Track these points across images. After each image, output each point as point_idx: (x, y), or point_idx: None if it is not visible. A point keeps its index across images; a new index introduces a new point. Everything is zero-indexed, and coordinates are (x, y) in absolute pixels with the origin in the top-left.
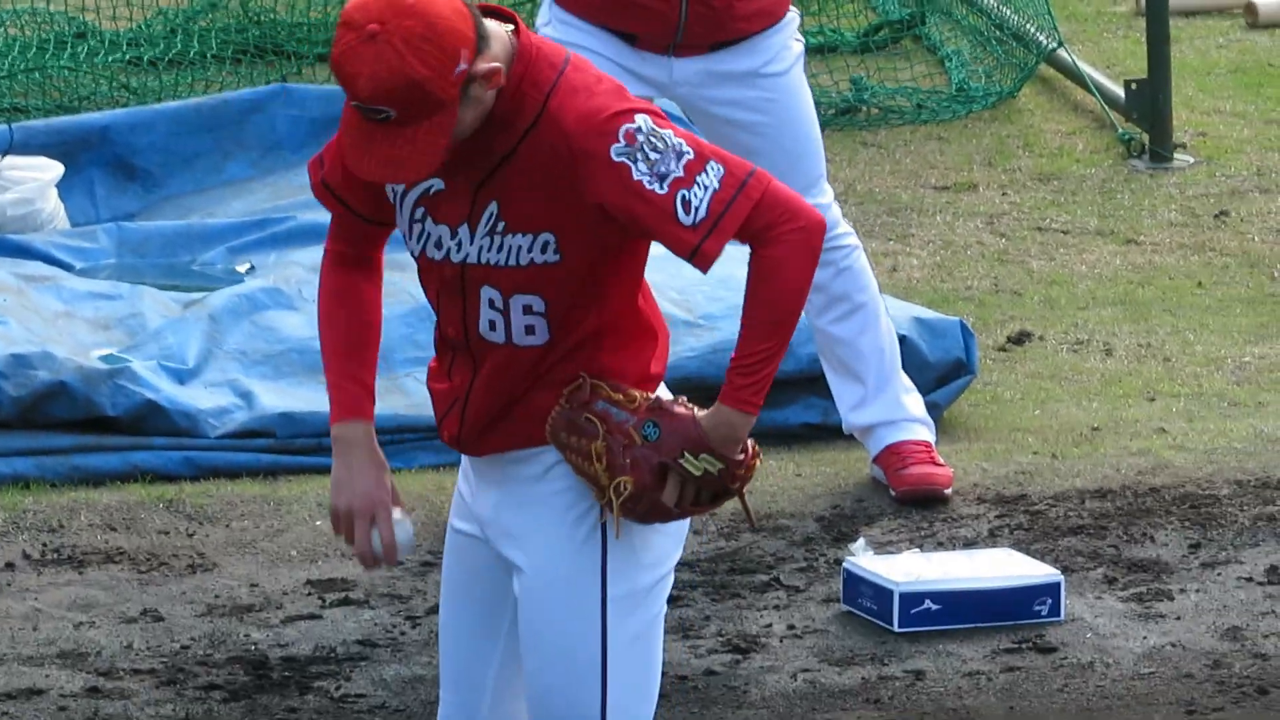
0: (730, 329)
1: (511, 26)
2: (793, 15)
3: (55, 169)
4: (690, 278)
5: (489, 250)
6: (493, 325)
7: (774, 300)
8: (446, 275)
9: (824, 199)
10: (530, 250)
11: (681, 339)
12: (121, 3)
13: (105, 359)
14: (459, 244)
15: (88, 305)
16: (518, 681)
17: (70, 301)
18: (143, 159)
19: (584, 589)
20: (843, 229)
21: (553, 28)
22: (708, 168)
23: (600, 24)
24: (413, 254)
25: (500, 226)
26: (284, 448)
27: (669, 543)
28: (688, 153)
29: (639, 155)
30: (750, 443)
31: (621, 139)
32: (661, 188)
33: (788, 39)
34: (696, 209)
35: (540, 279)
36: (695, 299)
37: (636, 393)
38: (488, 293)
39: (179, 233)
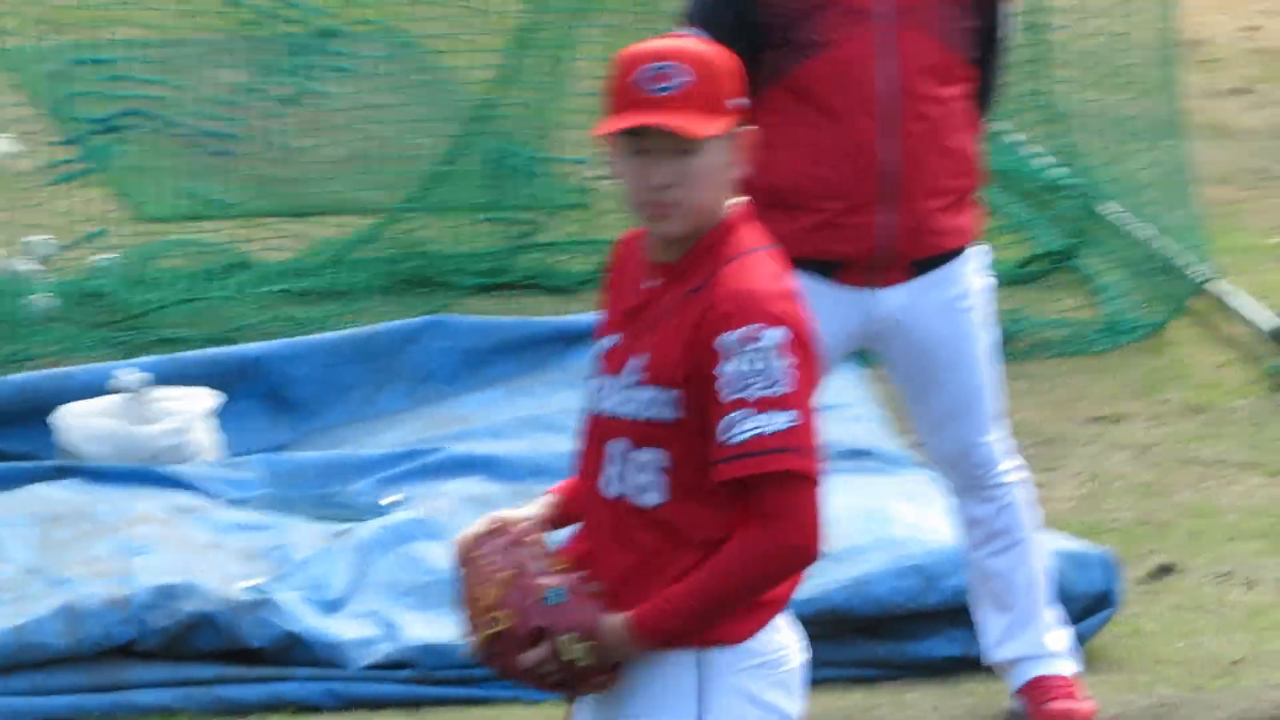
0: (875, 560)
1: (740, 203)
2: (980, 248)
3: (208, 399)
4: (837, 508)
5: (624, 403)
6: (611, 480)
7: (725, 579)
8: (592, 430)
9: (993, 437)
10: (656, 404)
11: (827, 570)
12: (281, 234)
13: (251, 590)
14: (607, 394)
15: (236, 536)
16: None
17: (219, 532)
18: (295, 390)
19: None
20: (1007, 465)
21: None
22: (782, 413)
23: (801, 255)
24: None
25: (640, 378)
26: (428, 678)
27: None
28: (779, 387)
29: (738, 357)
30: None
31: (738, 335)
32: (727, 395)
33: (978, 270)
34: (734, 435)
35: (662, 435)
36: (842, 530)
37: (564, 563)
38: (614, 447)
39: (330, 463)
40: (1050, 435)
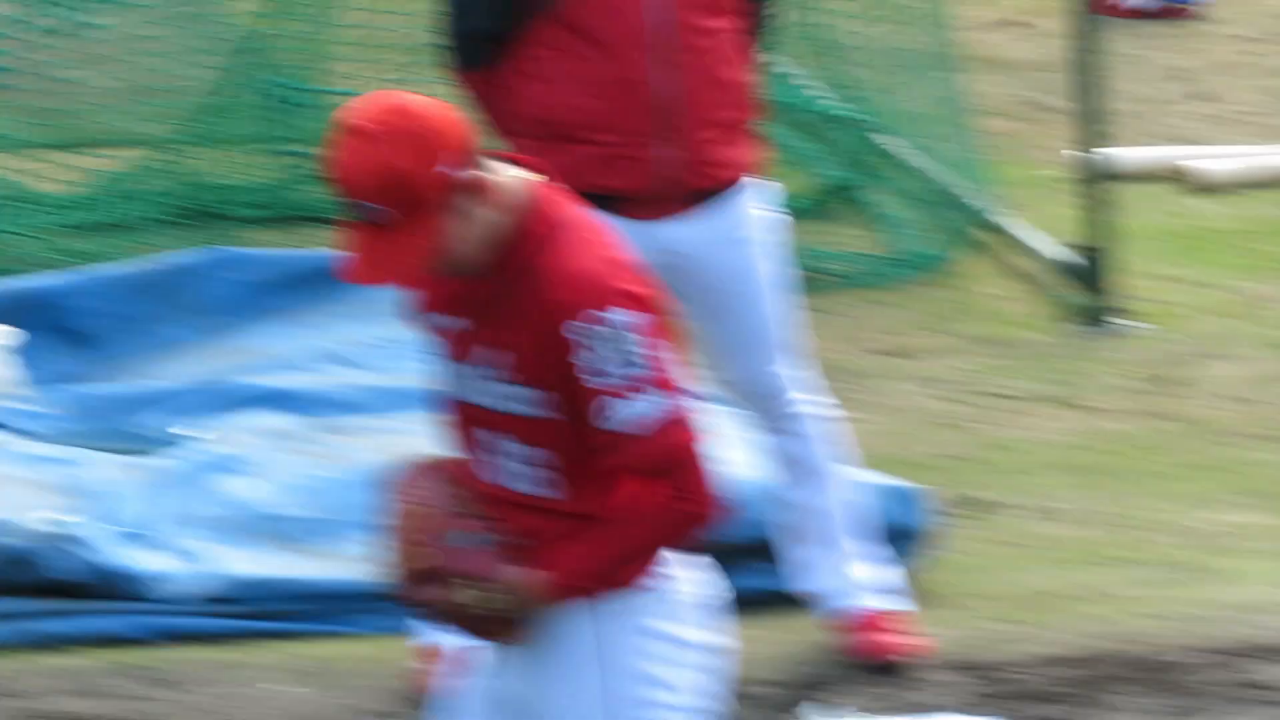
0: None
1: (524, 173)
2: (760, 181)
3: (7, 335)
4: None
5: (501, 399)
6: (513, 475)
7: (625, 541)
8: (467, 415)
9: (778, 367)
10: (532, 404)
11: None
12: (60, 166)
13: (50, 523)
14: (473, 387)
15: (31, 468)
16: None
17: (14, 464)
18: (82, 322)
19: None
20: (803, 395)
21: None
22: (645, 389)
23: (582, 188)
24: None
25: (505, 377)
26: (234, 612)
27: (676, 698)
28: (636, 366)
29: (588, 343)
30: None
31: (582, 321)
32: (591, 382)
33: (757, 201)
34: (608, 419)
35: (551, 434)
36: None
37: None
38: (505, 442)
39: (122, 396)
40: (843, 368)
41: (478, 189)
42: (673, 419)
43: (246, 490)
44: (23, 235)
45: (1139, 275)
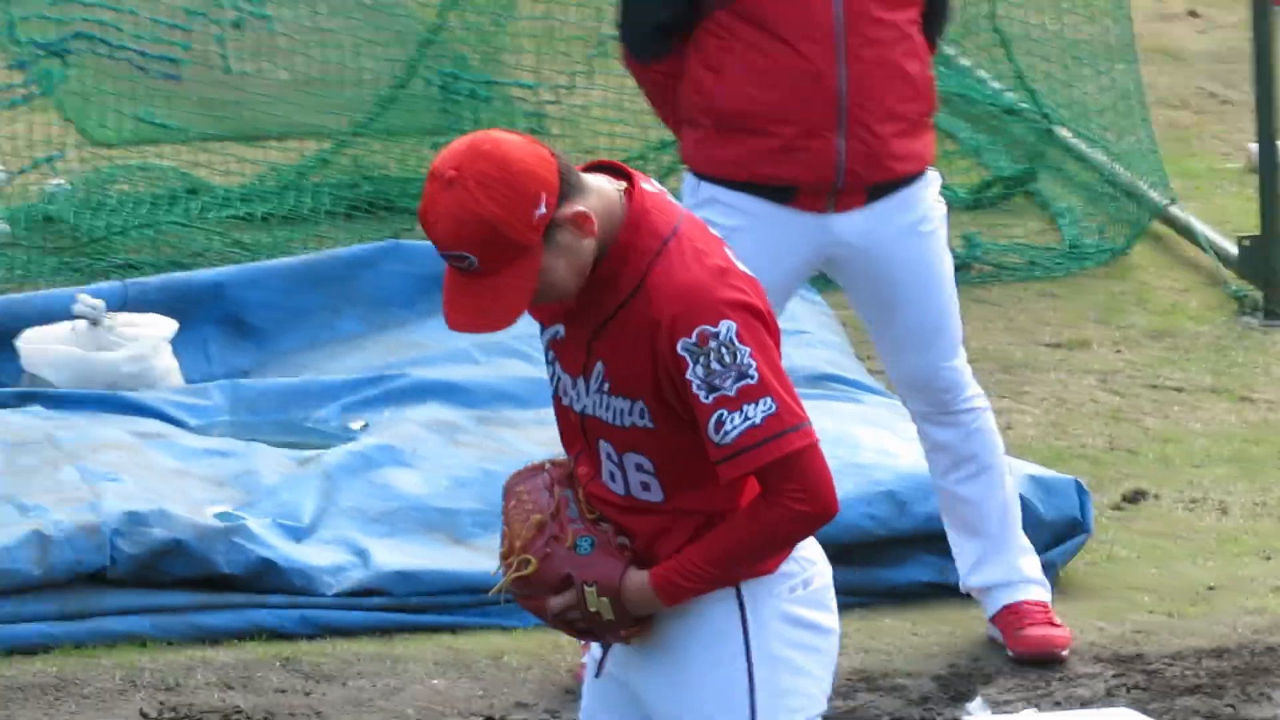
0: (845, 487)
1: (624, 185)
2: (936, 174)
3: (169, 325)
4: None
5: (599, 408)
6: (613, 477)
7: (741, 545)
8: (573, 421)
9: (959, 361)
10: (630, 414)
11: None
12: (233, 159)
13: (221, 516)
14: (578, 395)
15: (202, 462)
16: None
17: (184, 458)
18: (255, 315)
19: None
20: (973, 390)
21: (700, 209)
22: (761, 401)
23: (756, 179)
24: (552, 394)
25: (606, 386)
26: (399, 605)
27: (814, 685)
28: (750, 377)
29: (701, 358)
30: (643, 623)
31: (695, 337)
32: (706, 398)
33: (935, 196)
34: (727, 433)
35: (644, 441)
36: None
37: (600, 513)
38: (605, 446)
39: (292, 390)
40: (1014, 361)
41: (579, 224)
42: (789, 424)
43: (416, 484)
44: (195, 227)
45: None
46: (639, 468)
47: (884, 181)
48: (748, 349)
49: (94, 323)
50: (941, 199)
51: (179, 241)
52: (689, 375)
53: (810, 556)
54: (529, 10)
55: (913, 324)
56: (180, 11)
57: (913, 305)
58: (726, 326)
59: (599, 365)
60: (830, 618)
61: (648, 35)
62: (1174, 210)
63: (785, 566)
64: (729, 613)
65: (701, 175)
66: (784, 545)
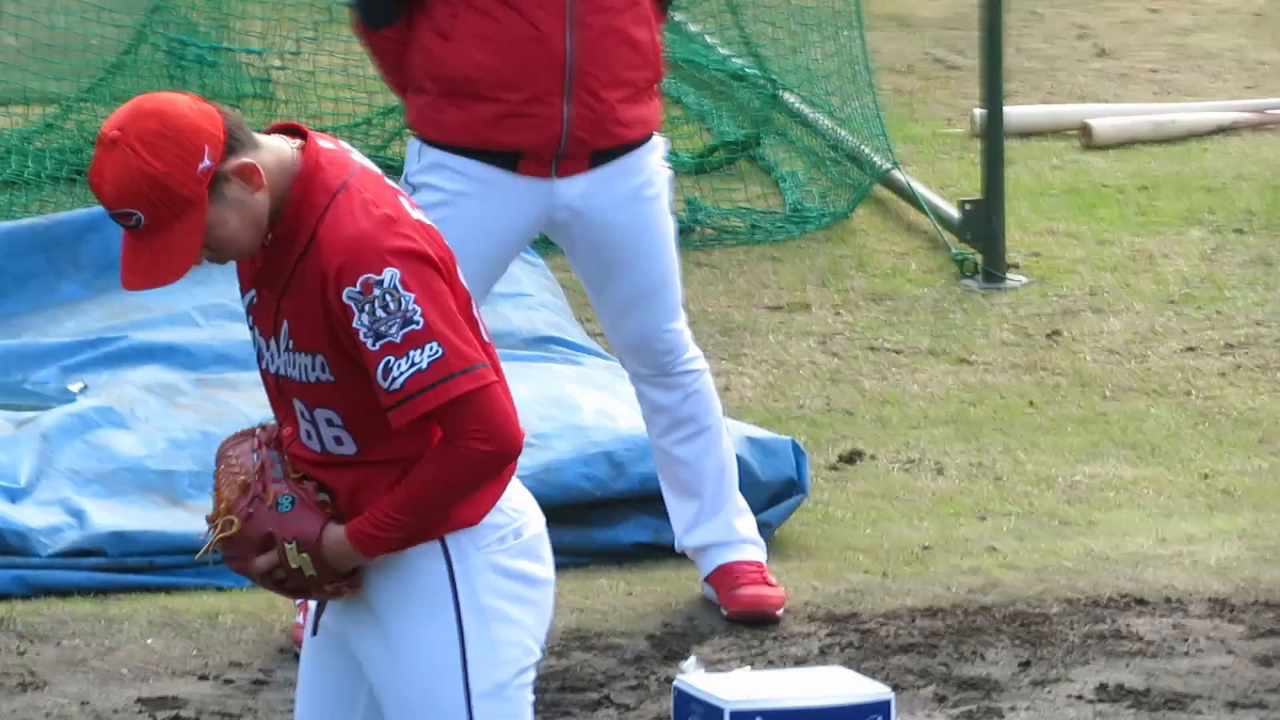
0: (562, 447)
1: (299, 142)
2: (662, 139)
3: None
4: (522, 396)
5: (288, 366)
6: (309, 435)
7: (429, 489)
8: (270, 384)
9: (679, 324)
10: (313, 369)
11: None
12: None
13: None
14: (272, 356)
15: None
16: None
17: None
18: None
19: (448, 693)
20: (692, 353)
21: (424, 174)
22: (426, 346)
23: (481, 145)
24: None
25: (291, 344)
26: (115, 566)
27: (526, 635)
28: (415, 323)
29: (366, 306)
30: (351, 579)
31: (359, 285)
32: (373, 345)
33: (660, 161)
34: (395, 380)
35: (329, 396)
36: (527, 418)
37: (304, 473)
38: (298, 404)
39: (11, 352)
40: (734, 324)
41: (245, 175)
42: (456, 368)
43: (134, 446)
44: None
45: (1033, 231)
46: (329, 422)
47: (609, 147)
48: (412, 295)
49: None
50: (666, 164)
51: None
52: (355, 324)
53: (519, 507)
54: None
55: (633, 287)
56: None
57: (633, 269)
58: (390, 274)
59: (285, 323)
60: (543, 568)
61: (378, 2)
62: (896, 174)
63: (492, 518)
64: (435, 567)
65: (427, 140)
66: (473, 486)
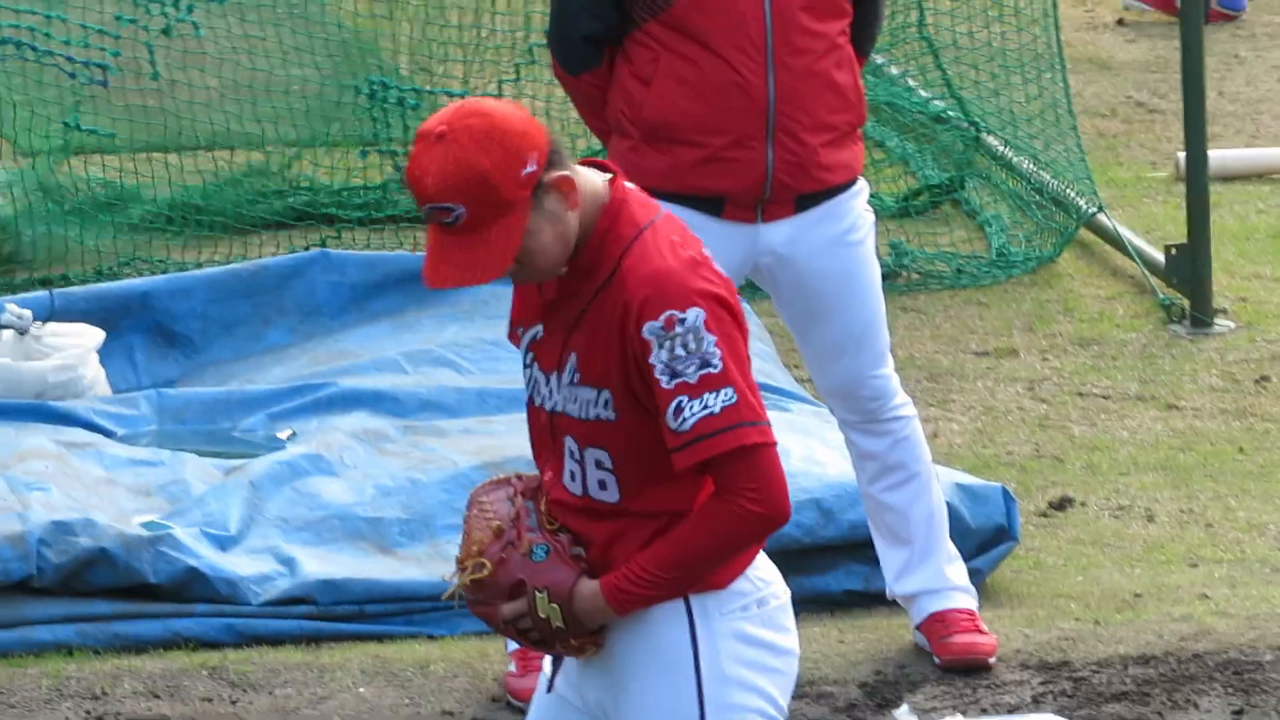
0: None
1: (608, 176)
2: (865, 183)
3: (96, 335)
4: None
5: (567, 401)
6: (573, 476)
7: (691, 548)
8: (542, 422)
9: (887, 370)
10: (595, 405)
11: None
12: (161, 167)
13: (147, 526)
14: (550, 392)
15: (129, 472)
16: None
17: (111, 468)
18: (183, 325)
19: None
20: (900, 399)
21: None
22: (721, 391)
23: (685, 190)
24: (526, 399)
25: (576, 378)
26: (326, 614)
27: (767, 704)
28: (713, 366)
29: (666, 343)
30: (595, 636)
31: (662, 321)
32: (667, 383)
33: (864, 205)
34: (685, 420)
35: (605, 435)
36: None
37: (559, 523)
38: (569, 443)
39: (219, 399)
40: (941, 369)
41: (563, 190)
42: (747, 418)
43: (343, 493)
44: (125, 236)
45: (1240, 276)
46: (598, 464)
47: (812, 192)
48: (713, 338)
49: (21, 332)
50: (870, 208)
51: (106, 251)
52: (653, 359)
53: (766, 577)
54: (458, 19)
55: (840, 333)
56: (109, 18)
57: (840, 314)
58: (694, 314)
59: (572, 357)
60: (788, 638)
61: (577, 46)
62: (1101, 218)
63: (738, 585)
64: (678, 627)
65: (640, 182)
66: (734, 549)
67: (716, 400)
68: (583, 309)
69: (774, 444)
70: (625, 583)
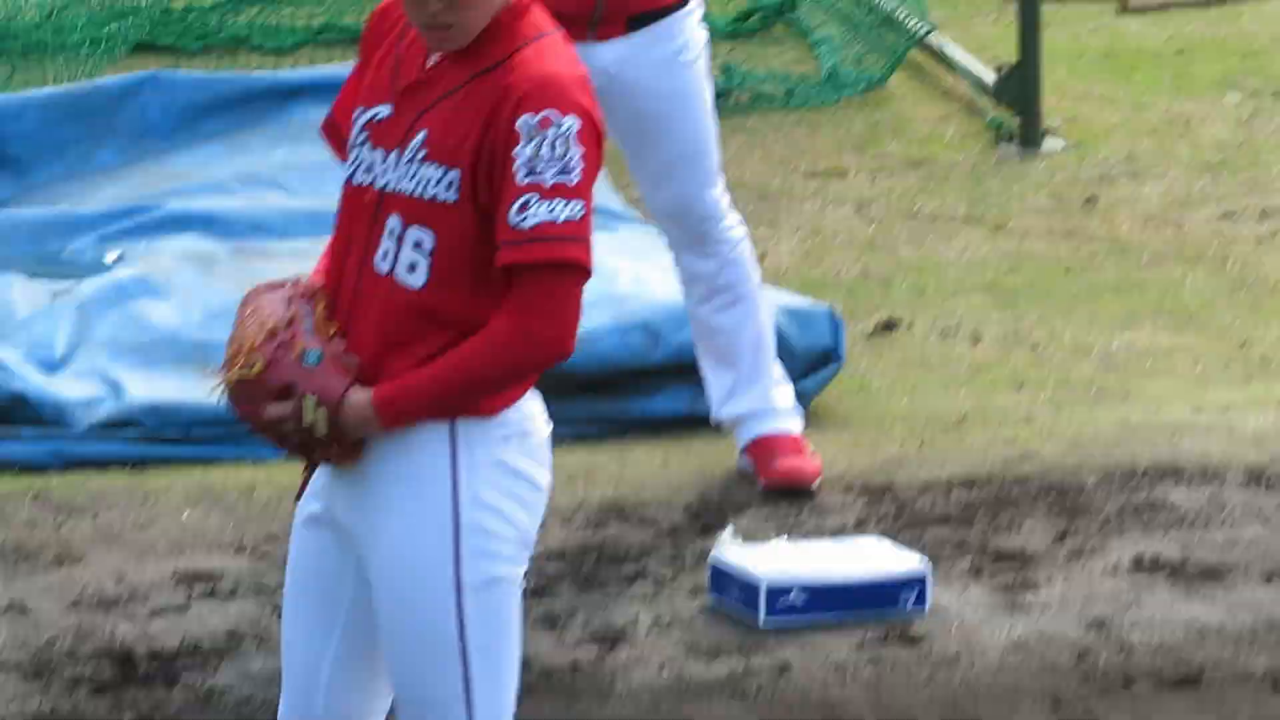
0: (599, 316)
1: None
2: (698, 3)
3: None
4: None
5: (404, 179)
6: (385, 255)
7: (467, 364)
8: (364, 201)
9: (718, 190)
10: (437, 184)
11: None
12: None
13: None
14: (383, 170)
15: None
16: (355, 676)
17: None
18: (12, 146)
19: (438, 578)
20: (731, 219)
21: None
22: (571, 203)
23: None
24: (344, 181)
25: (422, 154)
26: (152, 438)
27: (521, 534)
28: (571, 176)
29: (535, 140)
30: (354, 449)
31: (539, 118)
32: (521, 178)
33: (696, 25)
34: (526, 218)
35: (436, 216)
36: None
37: (335, 328)
38: (392, 221)
39: (48, 221)
40: (771, 190)
41: None
42: (581, 237)
43: (171, 316)
44: None
45: (1070, 96)
46: (417, 245)
47: (644, 11)
48: (581, 150)
49: None
50: (703, 27)
51: None
52: (515, 152)
53: (531, 413)
54: None
55: (671, 153)
56: None
57: (671, 134)
58: (572, 121)
59: (420, 134)
60: (545, 474)
61: None
62: (932, 39)
63: (505, 414)
64: (440, 450)
65: None
66: (511, 376)
67: (564, 210)
68: (450, 90)
69: (587, 277)
70: (397, 395)
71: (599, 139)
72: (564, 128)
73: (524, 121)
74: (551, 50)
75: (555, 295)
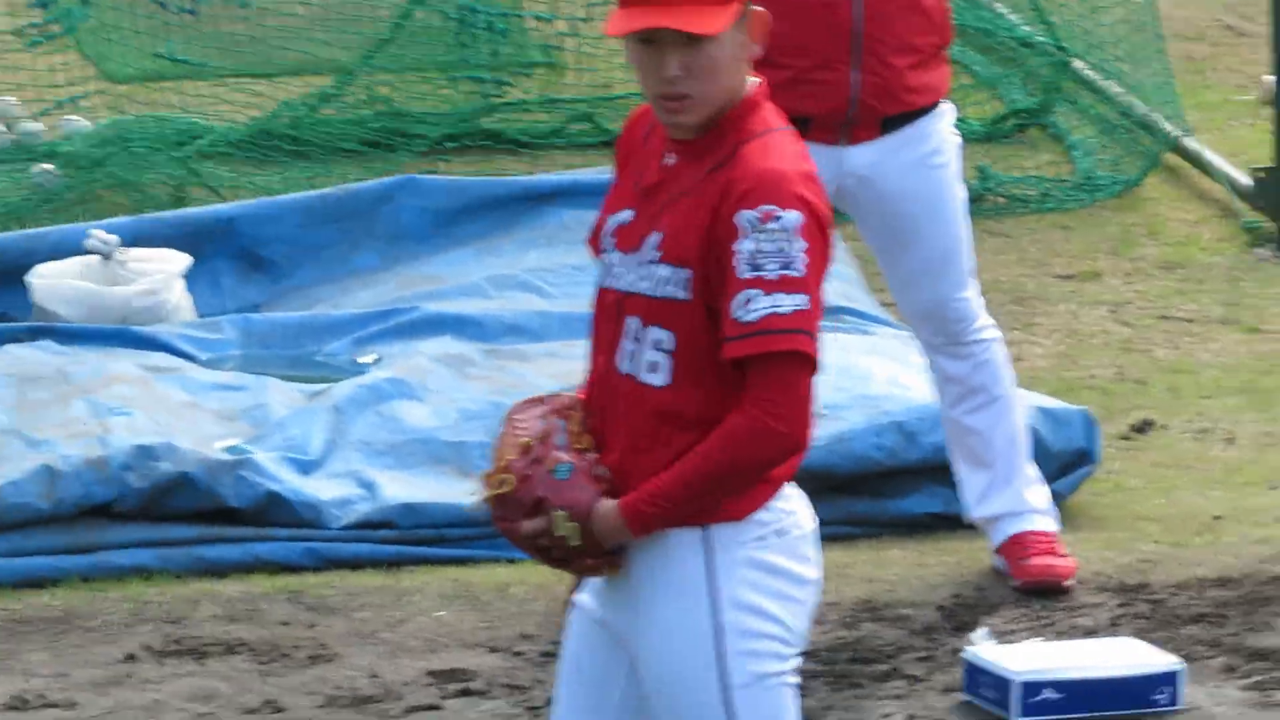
0: (854, 418)
1: (758, 80)
2: (951, 106)
3: (182, 260)
4: None
5: (641, 280)
6: (629, 356)
7: (707, 463)
8: (608, 304)
9: (970, 292)
10: (670, 283)
11: None
12: (250, 94)
13: (229, 450)
14: (624, 271)
15: (212, 396)
16: None
17: (195, 392)
18: (269, 250)
19: (704, 681)
20: (984, 321)
21: None
22: (796, 295)
23: None
24: (595, 287)
25: (657, 255)
26: (406, 538)
27: (785, 631)
28: (795, 270)
29: (756, 234)
30: (613, 558)
31: (759, 212)
32: (744, 272)
33: (949, 128)
34: (750, 310)
35: (672, 315)
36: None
37: (589, 442)
38: (632, 322)
39: (303, 324)
40: (1025, 293)
41: (758, 26)
42: (808, 329)
43: (425, 417)
44: (209, 162)
45: None
46: (656, 345)
47: (897, 114)
48: (804, 244)
49: (106, 257)
50: (955, 131)
51: (193, 177)
52: (736, 246)
53: (788, 507)
54: None
55: (924, 256)
56: None
57: (924, 237)
58: (793, 216)
59: (655, 236)
60: (808, 568)
61: None
62: (1188, 142)
63: (757, 515)
64: (694, 555)
65: None
66: (751, 470)
67: (788, 302)
68: (684, 190)
69: (818, 370)
70: (642, 503)
71: (824, 233)
72: (784, 221)
73: (744, 216)
74: (777, 146)
75: (784, 388)
